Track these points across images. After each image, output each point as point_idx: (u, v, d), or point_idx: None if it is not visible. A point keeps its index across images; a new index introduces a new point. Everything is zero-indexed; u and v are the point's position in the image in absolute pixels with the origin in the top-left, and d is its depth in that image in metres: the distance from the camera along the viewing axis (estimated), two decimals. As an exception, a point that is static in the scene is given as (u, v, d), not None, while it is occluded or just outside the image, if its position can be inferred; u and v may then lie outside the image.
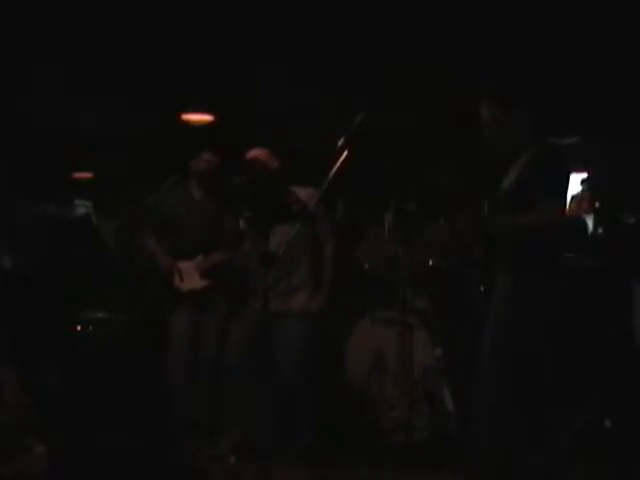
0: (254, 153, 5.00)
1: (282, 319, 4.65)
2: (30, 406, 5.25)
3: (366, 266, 5.55)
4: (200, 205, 5.34)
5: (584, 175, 5.67)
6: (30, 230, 5.88)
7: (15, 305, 5.41)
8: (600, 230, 5.50)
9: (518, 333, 3.73)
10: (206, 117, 7.30)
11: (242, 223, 5.02)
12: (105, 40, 5.49)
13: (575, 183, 5.80)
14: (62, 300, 6.08)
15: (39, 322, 5.71)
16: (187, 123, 7.29)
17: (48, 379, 5.66)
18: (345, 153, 4.03)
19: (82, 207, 5.26)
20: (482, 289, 4.78)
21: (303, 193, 4.59)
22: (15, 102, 6.23)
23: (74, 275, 6.31)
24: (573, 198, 5.30)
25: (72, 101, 6.57)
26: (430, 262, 5.29)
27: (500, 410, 3.74)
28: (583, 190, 5.54)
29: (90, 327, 5.96)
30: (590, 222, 5.60)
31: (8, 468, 4.74)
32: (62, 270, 6.23)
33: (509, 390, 3.73)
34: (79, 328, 5.95)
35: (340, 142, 4.04)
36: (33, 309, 5.66)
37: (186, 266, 5.26)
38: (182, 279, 5.26)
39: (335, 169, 3.99)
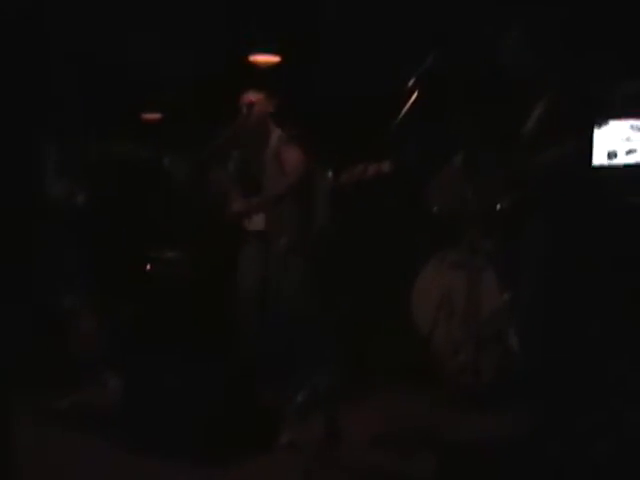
0: (250, 97, 5.08)
1: None
2: (105, 340, 5.40)
3: (435, 207, 5.53)
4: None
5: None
6: (103, 168, 5.96)
7: (88, 241, 5.52)
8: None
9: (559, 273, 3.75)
10: (273, 58, 7.26)
11: None
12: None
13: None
14: (133, 238, 6.19)
15: (111, 258, 5.83)
16: (254, 64, 7.26)
17: (122, 315, 5.80)
18: (415, 93, 4.00)
19: (154, 147, 5.31)
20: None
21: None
22: (92, 42, 6.29)
23: (145, 214, 6.42)
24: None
25: (139, 38, 6.59)
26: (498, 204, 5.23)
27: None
28: None
29: (160, 265, 6.07)
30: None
31: (83, 399, 4.90)
32: (133, 209, 6.34)
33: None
34: (149, 267, 6.06)
35: (410, 82, 4.01)
36: (105, 246, 5.77)
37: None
38: (249, 219, 5.28)
39: (405, 110, 3.97)
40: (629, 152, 5.76)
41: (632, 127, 5.75)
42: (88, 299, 5.34)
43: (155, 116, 8.16)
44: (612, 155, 5.79)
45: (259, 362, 5.12)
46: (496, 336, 4.90)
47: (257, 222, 5.25)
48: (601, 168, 5.79)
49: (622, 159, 5.78)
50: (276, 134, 5.20)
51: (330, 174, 5.21)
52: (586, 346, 4.05)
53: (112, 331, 5.48)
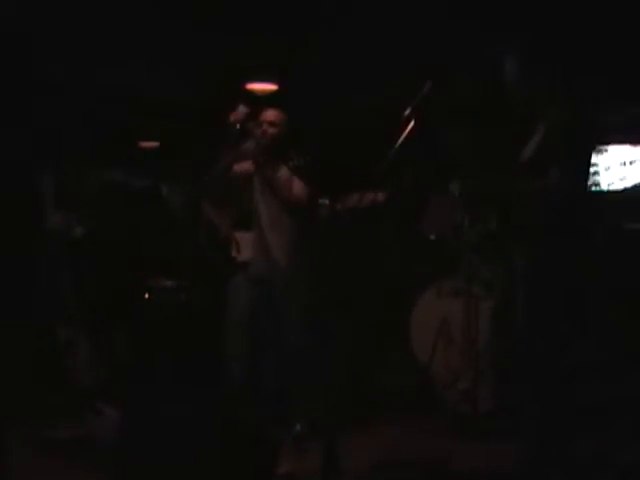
0: (271, 116, 4.89)
1: None
2: (101, 370, 5.38)
3: (431, 236, 5.54)
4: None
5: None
6: (99, 199, 5.98)
7: (86, 272, 5.53)
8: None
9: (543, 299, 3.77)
10: (270, 86, 7.30)
11: None
12: (173, 7, 5.51)
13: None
14: (130, 268, 6.19)
15: (109, 289, 5.83)
16: (251, 92, 7.30)
17: (118, 345, 5.79)
18: (412, 123, 4.01)
19: (150, 176, 5.33)
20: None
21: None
22: (88, 69, 6.32)
23: (142, 244, 6.42)
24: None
25: (137, 66, 6.62)
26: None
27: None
28: None
29: (157, 295, 6.06)
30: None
31: (78, 429, 4.88)
32: (130, 239, 6.34)
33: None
34: (147, 296, 6.05)
35: (407, 111, 4.02)
36: (103, 276, 5.78)
37: (244, 237, 5.24)
38: (239, 250, 5.25)
39: (402, 139, 3.98)
40: (623, 178, 5.80)
41: (629, 152, 5.80)
42: (84, 328, 5.34)
43: (153, 145, 8.20)
44: (608, 180, 5.84)
45: (256, 391, 5.10)
46: (494, 364, 4.89)
47: (247, 253, 5.19)
48: (599, 193, 5.83)
49: (618, 184, 5.82)
50: (285, 170, 4.96)
51: (327, 203, 5.21)
52: (584, 373, 4.05)
53: (107, 360, 5.47)
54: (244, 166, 5.01)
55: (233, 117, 4.78)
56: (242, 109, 4.80)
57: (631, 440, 4.21)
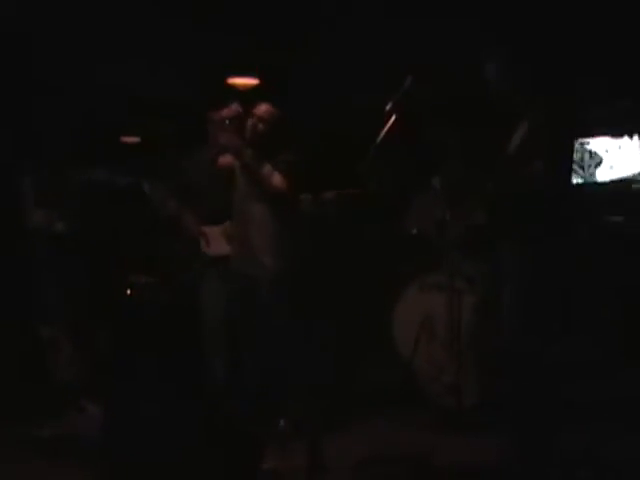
0: (262, 111, 4.85)
1: None
2: (84, 367, 5.37)
3: (414, 231, 5.55)
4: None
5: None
6: (82, 197, 5.96)
7: (68, 269, 5.51)
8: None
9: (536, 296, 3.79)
10: (252, 81, 7.27)
11: None
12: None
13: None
14: (112, 265, 6.17)
15: (91, 286, 5.81)
16: (233, 87, 7.27)
17: (100, 342, 5.77)
18: (393, 118, 4.02)
19: (132, 174, 5.32)
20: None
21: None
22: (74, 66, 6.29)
23: (124, 241, 6.41)
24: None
25: (121, 63, 6.60)
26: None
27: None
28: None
29: (139, 291, 6.04)
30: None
31: (61, 427, 4.86)
32: (112, 235, 6.32)
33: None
34: (129, 292, 6.03)
35: (388, 106, 4.03)
36: (85, 273, 5.76)
37: (212, 231, 5.22)
38: (208, 244, 5.22)
39: (383, 134, 3.98)
40: (611, 167, 5.84)
41: (611, 145, 5.83)
42: (67, 325, 5.32)
43: (134, 142, 8.16)
44: (592, 173, 5.87)
45: (240, 388, 5.09)
46: (477, 358, 4.91)
47: (217, 247, 5.16)
48: (581, 186, 5.85)
49: (602, 176, 5.86)
50: (268, 167, 4.87)
51: (308, 198, 5.20)
52: (568, 367, 4.07)
53: (89, 357, 5.46)
54: (227, 159, 5.00)
55: (225, 113, 4.77)
56: (235, 107, 4.80)
57: (622, 435, 4.24)
